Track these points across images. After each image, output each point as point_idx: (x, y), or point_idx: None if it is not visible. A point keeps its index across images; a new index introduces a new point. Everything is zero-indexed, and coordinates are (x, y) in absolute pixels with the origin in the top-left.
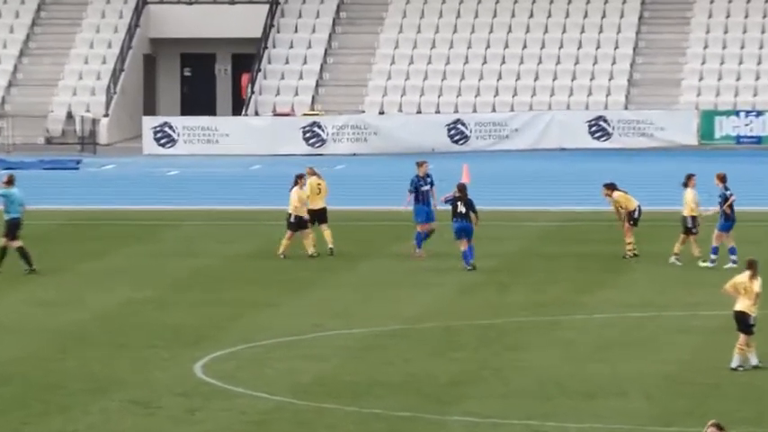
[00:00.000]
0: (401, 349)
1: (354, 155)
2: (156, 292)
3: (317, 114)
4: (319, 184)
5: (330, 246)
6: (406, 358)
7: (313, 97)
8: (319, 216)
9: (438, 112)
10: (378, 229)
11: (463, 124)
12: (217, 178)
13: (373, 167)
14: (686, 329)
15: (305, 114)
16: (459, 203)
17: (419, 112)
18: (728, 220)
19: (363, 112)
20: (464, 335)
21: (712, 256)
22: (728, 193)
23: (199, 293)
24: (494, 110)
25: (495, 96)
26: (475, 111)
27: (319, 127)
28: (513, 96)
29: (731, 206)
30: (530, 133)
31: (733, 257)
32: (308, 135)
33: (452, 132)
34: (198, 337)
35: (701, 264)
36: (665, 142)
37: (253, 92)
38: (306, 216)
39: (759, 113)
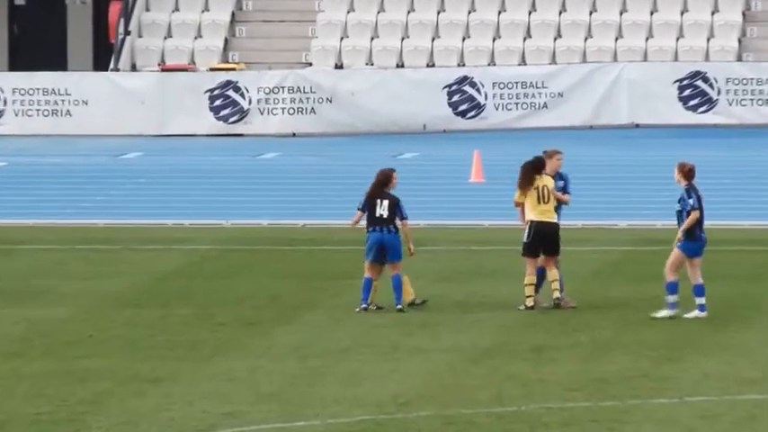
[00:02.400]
0: None
1: (294, 135)
2: None
3: (232, 69)
4: None
5: None
6: None
7: (226, 41)
8: None
9: (432, 64)
10: (332, 258)
11: (473, 85)
12: (69, 174)
13: (325, 157)
14: None
15: (213, 69)
16: (378, 202)
17: (401, 65)
18: (694, 240)
19: (309, 65)
20: (475, 431)
21: (670, 298)
22: (692, 201)
23: (41, 362)
24: (523, 61)
25: (524, 40)
26: (492, 63)
27: (236, 89)
28: (555, 39)
29: (700, 219)
30: (582, 100)
31: (672, 298)
32: (218, 103)
33: (456, 99)
34: None
35: (653, 315)
36: None
37: (127, 32)
38: None
39: None
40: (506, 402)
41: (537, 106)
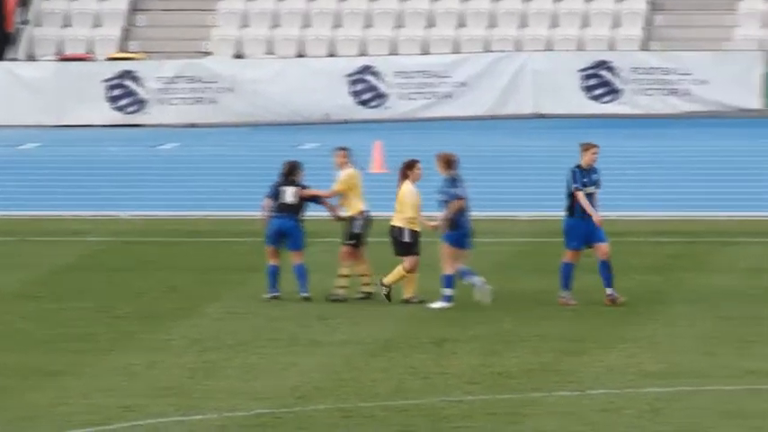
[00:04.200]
0: None
1: (194, 126)
2: None
3: (130, 58)
4: None
5: None
6: None
7: (126, 30)
8: None
9: (334, 54)
10: (232, 250)
11: (375, 74)
12: None
13: (226, 147)
14: (739, 414)
15: (111, 59)
16: (283, 190)
17: (301, 54)
18: (457, 230)
19: (209, 54)
20: (374, 424)
21: (447, 291)
22: (455, 191)
23: None
24: (426, 51)
25: (426, 28)
26: (395, 52)
27: (134, 79)
28: (458, 28)
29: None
30: (485, 90)
31: (447, 292)
32: (115, 93)
33: (359, 88)
34: None
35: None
36: (711, 105)
37: (25, 21)
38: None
39: None
40: (406, 395)
41: (440, 96)
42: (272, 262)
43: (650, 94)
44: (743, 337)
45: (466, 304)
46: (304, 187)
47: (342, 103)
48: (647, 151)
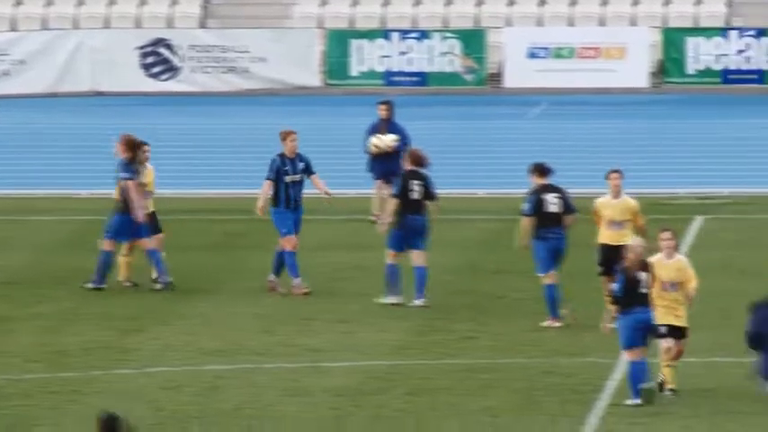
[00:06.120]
0: None
1: None
2: None
3: None
4: None
5: None
6: None
7: None
8: None
9: None
10: None
11: None
12: None
13: None
14: (299, 390)
15: None
16: None
17: None
18: None
19: None
20: None
21: None
22: None
23: None
24: None
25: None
26: None
27: None
28: (16, 6)
29: None
30: (43, 68)
31: None
32: None
33: None
34: None
35: None
36: (269, 83)
37: None
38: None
39: (423, 34)
40: None
41: None
42: None
43: (208, 72)
44: (303, 315)
45: (27, 282)
46: None
47: None
48: (204, 128)
